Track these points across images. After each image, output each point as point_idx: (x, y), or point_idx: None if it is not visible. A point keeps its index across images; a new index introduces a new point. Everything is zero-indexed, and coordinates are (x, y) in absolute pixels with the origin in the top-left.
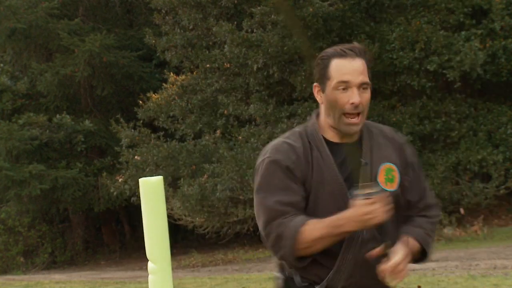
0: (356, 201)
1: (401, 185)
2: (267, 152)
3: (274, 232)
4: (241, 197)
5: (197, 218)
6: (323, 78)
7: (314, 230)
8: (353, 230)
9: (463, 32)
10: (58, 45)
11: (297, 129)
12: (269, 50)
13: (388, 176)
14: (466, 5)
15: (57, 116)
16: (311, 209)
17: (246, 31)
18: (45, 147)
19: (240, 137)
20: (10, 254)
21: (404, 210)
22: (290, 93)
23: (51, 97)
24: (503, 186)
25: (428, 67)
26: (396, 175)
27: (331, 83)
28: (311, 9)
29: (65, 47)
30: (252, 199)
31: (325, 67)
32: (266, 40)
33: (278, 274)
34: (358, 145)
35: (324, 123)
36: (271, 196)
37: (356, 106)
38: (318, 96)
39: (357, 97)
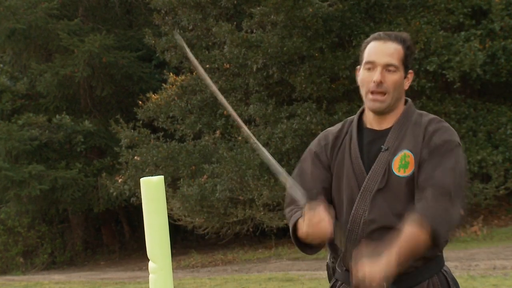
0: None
1: (418, 169)
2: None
3: (287, 219)
4: (240, 197)
5: (197, 219)
6: (360, 60)
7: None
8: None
9: (462, 33)
10: (57, 46)
11: (352, 116)
12: (269, 51)
13: (402, 162)
14: (465, 6)
15: (57, 116)
16: (335, 187)
17: (246, 32)
18: (45, 148)
19: (239, 138)
20: (9, 255)
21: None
22: (290, 94)
23: (51, 97)
24: (502, 187)
25: (428, 67)
26: (411, 161)
27: (362, 64)
28: (310, 10)
29: (64, 48)
30: (251, 200)
31: (363, 50)
32: (266, 41)
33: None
34: (388, 132)
35: (366, 107)
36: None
37: (378, 84)
38: (358, 78)
39: (377, 76)
